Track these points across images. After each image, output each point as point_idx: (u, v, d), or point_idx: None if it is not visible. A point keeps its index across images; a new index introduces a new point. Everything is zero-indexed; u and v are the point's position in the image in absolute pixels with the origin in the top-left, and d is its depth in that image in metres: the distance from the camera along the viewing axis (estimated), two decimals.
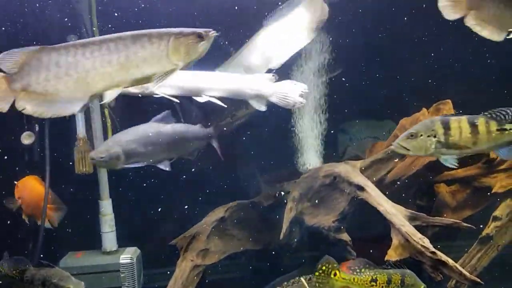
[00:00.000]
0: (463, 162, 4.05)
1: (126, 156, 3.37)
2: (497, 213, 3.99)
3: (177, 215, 4.50)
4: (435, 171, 4.14)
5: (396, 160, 4.12)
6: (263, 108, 3.29)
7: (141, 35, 2.49)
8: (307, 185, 4.07)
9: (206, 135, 3.97)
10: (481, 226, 4.02)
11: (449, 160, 2.84)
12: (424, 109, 4.09)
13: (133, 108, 4.30)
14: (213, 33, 2.60)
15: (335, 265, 2.80)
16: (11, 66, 2.40)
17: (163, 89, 3.01)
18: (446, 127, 2.75)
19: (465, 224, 3.61)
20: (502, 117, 2.77)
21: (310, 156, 4.30)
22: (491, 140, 2.77)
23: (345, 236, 3.92)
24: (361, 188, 3.75)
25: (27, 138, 4.00)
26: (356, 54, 4.53)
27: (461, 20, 2.89)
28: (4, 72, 2.43)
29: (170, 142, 3.62)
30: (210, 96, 3.16)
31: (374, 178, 4.06)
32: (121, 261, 3.98)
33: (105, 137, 4.15)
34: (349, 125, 5.07)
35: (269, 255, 4.29)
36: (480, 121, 2.76)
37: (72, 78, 2.44)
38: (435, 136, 2.75)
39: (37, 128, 4.07)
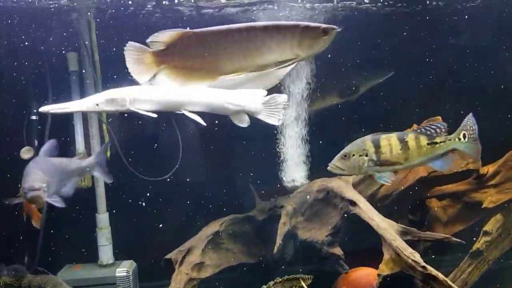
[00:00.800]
0: (454, 177, 4.14)
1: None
2: (487, 228, 4.06)
3: (172, 229, 4.56)
4: (426, 186, 4.20)
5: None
6: (244, 124, 3.17)
7: (271, 26, 2.71)
8: (300, 200, 4.14)
9: (83, 168, 3.66)
10: (474, 239, 4.09)
11: (384, 177, 2.89)
12: (415, 125, 4.17)
13: (129, 121, 4.41)
14: (336, 30, 2.72)
15: None
16: (159, 44, 2.71)
17: (141, 105, 2.98)
18: (377, 145, 2.80)
19: (455, 239, 3.66)
20: (433, 131, 2.83)
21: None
22: (422, 154, 2.82)
23: (337, 250, 3.98)
24: (353, 203, 3.82)
25: (26, 153, 4.06)
26: None
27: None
28: (151, 48, 2.73)
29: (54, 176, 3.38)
30: (190, 112, 3.09)
31: (367, 193, 4.14)
32: (118, 274, 4.04)
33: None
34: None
35: (263, 268, 4.34)
36: (410, 137, 2.81)
37: (207, 60, 2.73)
38: (367, 155, 2.80)
39: (36, 143, 4.14)
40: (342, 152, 2.85)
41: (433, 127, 2.83)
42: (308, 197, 4.11)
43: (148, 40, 2.71)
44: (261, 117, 3.15)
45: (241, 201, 4.58)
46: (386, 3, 4.41)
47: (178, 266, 4.00)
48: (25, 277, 3.28)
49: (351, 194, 3.90)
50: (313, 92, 4.52)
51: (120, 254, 4.27)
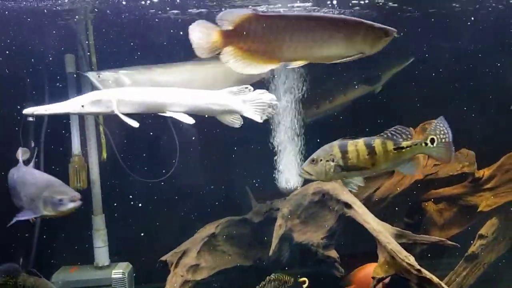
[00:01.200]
0: (450, 181, 4.15)
1: None
2: (483, 231, 4.07)
3: (168, 230, 4.56)
4: (422, 189, 4.21)
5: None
6: (236, 125, 3.16)
7: (338, 20, 2.76)
8: (296, 202, 4.14)
9: None
10: (472, 242, 4.10)
11: (351, 183, 2.89)
12: (411, 128, 4.17)
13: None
14: (395, 32, 2.77)
15: None
16: (228, 23, 2.69)
17: (126, 106, 2.96)
18: (344, 150, 2.80)
19: (450, 242, 3.68)
20: (399, 136, 2.83)
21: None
22: (389, 159, 2.81)
23: (333, 253, 3.99)
24: (348, 206, 3.83)
25: (22, 154, 4.06)
26: None
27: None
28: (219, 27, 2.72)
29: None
30: (174, 112, 3.04)
31: (362, 196, 4.14)
32: (113, 276, 4.04)
33: (100, 154, 4.26)
34: None
35: (259, 271, 4.33)
36: (376, 142, 2.81)
37: (271, 45, 2.72)
38: (333, 161, 2.81)
39: (32, 144, 4.15)
40: (311, 157, 2.87)
41: (398, 132, 2.83)
42: (304, 199, 4.12)
43: (217, 18, 2.69)
44: (246, 114, 3.15)
45: (237, 203, 4.59)
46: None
47: (173, 268, 4.00)
48: (19, 275, 3.26)
49: (347, 196, 3.91)
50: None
51: (116, 256, 4.28)
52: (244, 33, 2.70)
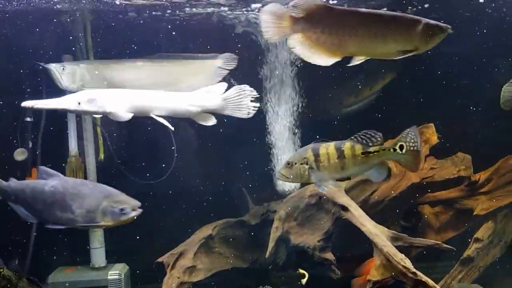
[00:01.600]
0: (446, 184, 4.17)
1: None
2: (478, 235, 4.09)
3: (165, 232, 4.56)
4: (419, 192, 4.23)
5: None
6: (210, 123, 3.18)
7: (398, 16, 2.80)
8: (293, 205, 4.15)
9: None
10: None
11: (323, 186, 2.89)
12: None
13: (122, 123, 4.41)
14: (449, 28, 2.79)
15: None
16: (299, 11, 2.72)
17: (117, 107, 2.99)
18: (316, 154, 2.82)
19: (445, 246, 3.69)
20: (368, 140, 2.83)
21: None
22: (357, 164, 2.82)
23: (329, 255, 3.99)
24: (345, 208, 3.84)
25: (20, 155, 4.06)
26: None
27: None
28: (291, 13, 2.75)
29: None
30: (157, 116, 3.09)
31: (359, 199, 4.15)
32: (109, 277, 4.04)
33: (97, 154, 4.26)
34: None
35: (255, 273, 4.34)
36: (346, 146, 2.82)
37: (337, 37, 2.76)
38: (307, 164, 2.83)
39: (30, 145, 4.14)
40: (287, 160, 2.89)
41: (368, 136, 2.83)
42: (301, 201, 4.13)
43: (290, 4, 2.72)
44: (227, 113, 3.15)
45: (234, 205, 4.59)
46: None
47: (170, 270, 4.00)
48: (22, 279, 3.26)
49: (343, 199, 3.92)
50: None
51: (112, 257, 4.27)
52: (315, 22, 2.74)
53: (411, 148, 2.78)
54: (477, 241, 4.05)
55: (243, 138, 4.62)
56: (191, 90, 3.27)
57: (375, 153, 2.80)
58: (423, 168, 4.11)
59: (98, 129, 4.24)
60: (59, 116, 4.17)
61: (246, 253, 4.33)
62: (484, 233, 4.07)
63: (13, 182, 2.99)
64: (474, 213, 4.10)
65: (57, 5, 3.97)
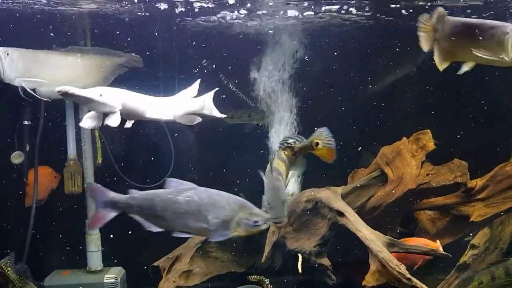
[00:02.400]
0: (442, 190, 4.17)
1: None
2: (474, 241, 4.08)
3: (161, 236, 4.55)
4: (415, 198, 4.23)
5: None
6: (196, 122, 3.26)
7: (496, 24, 2.99)
8: (290, 210, 4.14)
9: None
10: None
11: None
12: (404, 138, 4.21)
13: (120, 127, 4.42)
14: None
15: None
16: (436, 19, 3.08)
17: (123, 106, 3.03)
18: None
19: (441, 252, 3.69)
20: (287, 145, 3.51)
21: None
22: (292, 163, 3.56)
23: (325, 261, 3.99)
24: (341, 214, 3.84)
25: (17, 158, 4.08)
26: None
27: None
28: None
29: None
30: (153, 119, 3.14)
31: (355, 204, 4.15)
32: (105, 281, 4.05)
33: (95, 158, 4.28)
34: None
35: None
36: (283, 154, 3.53)
37: (452, 45, 3.11)
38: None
39: (27, 148, 4.16)
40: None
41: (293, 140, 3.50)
42: (297, 206, 4.13)
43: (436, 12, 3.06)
44: (206, 112, 3.22)
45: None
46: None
47: (165, 274, 4.00)
48: (28, 284, 3.27)
49: (339, 205, 3.92)
50: None
51: (108, 261, 4.28)
52: (446, 32, 3.07)
53: (325, 145, 3.45)
54: (473, 247, 4.04)
55: (244, 142, 4.64)
56: (90, 86, 3.24)
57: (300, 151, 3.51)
58: (419, 174, 4.11)
59: (96, 133, 4.26)
60: (57, 119, 4.20)
61: (242, 258, 4.32)
62: (480, 239, 4.07)
63: (137, 193, 3.03)
64: (471, 219, 4.09)
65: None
